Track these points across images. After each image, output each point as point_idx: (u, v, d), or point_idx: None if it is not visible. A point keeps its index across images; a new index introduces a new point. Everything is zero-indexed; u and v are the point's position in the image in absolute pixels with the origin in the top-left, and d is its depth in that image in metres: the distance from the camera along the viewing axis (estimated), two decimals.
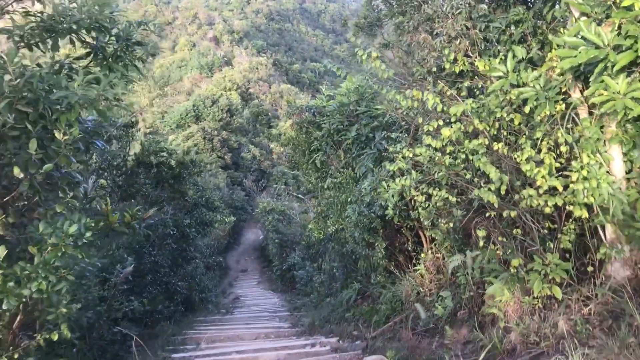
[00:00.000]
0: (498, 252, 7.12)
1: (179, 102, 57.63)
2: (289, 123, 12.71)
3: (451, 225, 8.17)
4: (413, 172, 8.38)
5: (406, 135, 9.39)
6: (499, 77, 6.48)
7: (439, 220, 8.35)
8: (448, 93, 6.52)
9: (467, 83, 7.19)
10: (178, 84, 68.03)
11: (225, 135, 47.39)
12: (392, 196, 8.58)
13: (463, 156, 6.31)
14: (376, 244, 10.09)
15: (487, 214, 6.35)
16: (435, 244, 9.52)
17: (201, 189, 17.27)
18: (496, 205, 5.86)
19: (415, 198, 8.55)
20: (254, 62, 69.02)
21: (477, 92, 7.28)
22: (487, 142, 6.24)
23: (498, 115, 6.13)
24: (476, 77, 7.29)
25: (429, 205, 8.32)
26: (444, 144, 6.27)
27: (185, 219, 15.96)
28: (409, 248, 10.56)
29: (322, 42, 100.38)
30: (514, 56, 6.55)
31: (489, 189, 6.06)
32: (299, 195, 16.52)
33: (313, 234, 12.89)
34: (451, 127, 6.15)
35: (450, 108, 6.15)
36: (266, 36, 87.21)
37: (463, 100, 6.52)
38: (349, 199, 10.86)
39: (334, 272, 13.91)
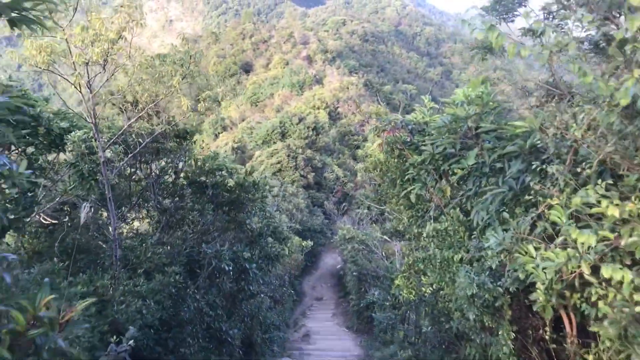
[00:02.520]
0: None
1: (268, 118, 56.06)
2: (377, 142, 9.31)
3: None
4: (590, 236, 4.70)
5: (562, 167, 5.70)
6: None
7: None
8: None
9: None
10: (269, 100, 66.85)
11: (309, 153, 44.78)
12: (545, 273, 4.94)
13: None
14: (499, 332, 6.43)
15: None
16: (602, 344, 5.70)
17: (268, 215, 14.24)
18: None
19: (586, 279, 4.89)
20: (345, 81, 66.37)
21: None
22: None
23: None
24: None
25: (614, 294, 4.66)
26: None
27: (245, 252, 12.93)
28: (546, 336, 6.79)
29: (416, 64, 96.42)
30: None
31: None
32: (384, 237, 13.05)
33: (400, 293, 9.40)
34: None
35: None
36: (359, 56, 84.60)
37: None
38: (460, 258, 7.28)
39: (424, 334, 10.27)
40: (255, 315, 16.47)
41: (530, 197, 5.99)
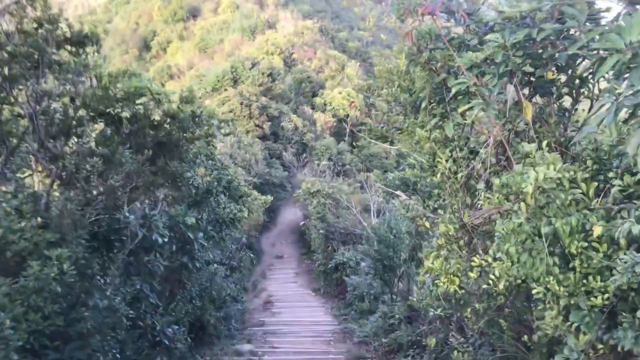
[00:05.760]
0: None
1: (217, 64, 50.65)
2: (403, 33, 5.31)
3: None
4: None
5: None
6: None
7: None
8: None
9: None
10: (218, 46, 60.94)
11: (264, 101, 40.10)
12: None
13: None
14: None
15: None
16: None
17: (219, 165, 10.14)
18: None
19: None
20: (300, 26, 60.91)
21: None
22: None
23: None
24: None
25: None
26: None
27: (188, 217, 8.91)
28: None
29: (371, 11, 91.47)
30: None
31: None
32: (395, 191, 8.96)
33: (434, 281, 5.62)
34: None
35: None
36: (313, 1, 78.83)
37: None
38: (600, 232, 3.57)
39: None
40: (207, 290, 12.66)
41: None
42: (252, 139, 35.02)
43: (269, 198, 26.29)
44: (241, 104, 38.93)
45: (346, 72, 52.06)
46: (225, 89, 41.70)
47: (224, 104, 39.10)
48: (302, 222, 28.12)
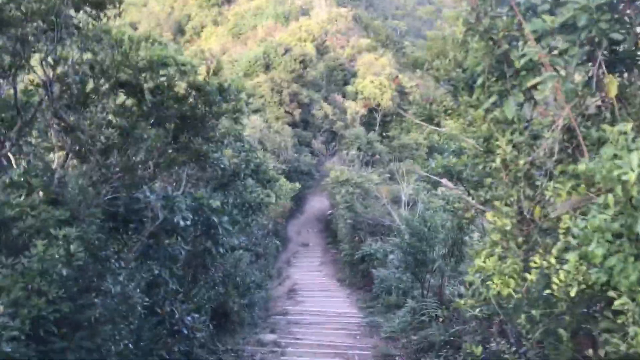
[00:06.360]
0: None
1: (250, 50, 50.11)
2: None
3: None
4: None
5: None
6: None
7: None
8: None
9: None
10: (252, 32, 60.39)
11: (295, 88, 39.41)
12: None
13: None
14: None
15: None
16: None
17: (247, 147, 9.50)
18: None
19: None
20: (333, 13, 59.84)
21: None
22: None
23: None
24: None
25: None
26: None
27: (213, 199, 8.33)
28: None
29: (405, 0, 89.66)
30: None
31: None
32: (441, 180, 8.00)
33: (484, 282, 4.91)
34: None
35: None
36: None
37: None
38: None
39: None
40: (231, 277, 12.14)
41: None
42: (282, 125, 34.44)
43: (297, 185, 25.72)
44: (272, 90, 38.37)
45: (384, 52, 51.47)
46: (257, 75, 41.17)
47: (255, 89, 38.62)
48: (329, 211, 27.45)
